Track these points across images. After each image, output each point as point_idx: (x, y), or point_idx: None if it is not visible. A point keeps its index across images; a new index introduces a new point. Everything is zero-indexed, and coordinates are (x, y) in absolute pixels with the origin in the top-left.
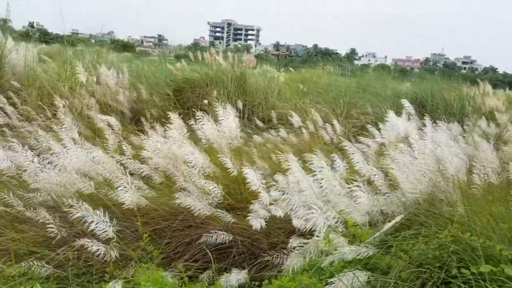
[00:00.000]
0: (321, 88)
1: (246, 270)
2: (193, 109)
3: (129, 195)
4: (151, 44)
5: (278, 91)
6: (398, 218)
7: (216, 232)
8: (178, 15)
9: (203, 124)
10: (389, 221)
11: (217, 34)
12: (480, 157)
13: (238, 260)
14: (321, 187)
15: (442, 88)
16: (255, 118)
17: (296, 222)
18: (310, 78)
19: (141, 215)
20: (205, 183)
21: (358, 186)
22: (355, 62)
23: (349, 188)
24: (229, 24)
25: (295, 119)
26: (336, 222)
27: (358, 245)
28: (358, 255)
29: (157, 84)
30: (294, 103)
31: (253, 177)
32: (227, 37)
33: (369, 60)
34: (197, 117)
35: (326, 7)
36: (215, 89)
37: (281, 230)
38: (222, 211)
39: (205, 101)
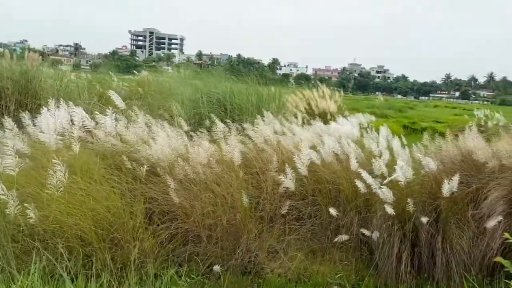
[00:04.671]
0: (152, 91)
1: None
2: None
3: None
4: (67, 53)
5: (70, 92)
6: None
7: None
8: (98, 24)
9: None
10: None
11: (139, 43)
12: None
13: None
14: None
15: (245, 89)
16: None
17: None
18: (149, 82)
19: None
20: None
21: None
22: (278, 71)
23: None
24: (151, 33)
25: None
26: None
27: None
28: None
29: None
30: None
31: None
32: (149, 46)
33: (290, 70)
34: None
35: (250, 16)
36: None
37: None
38: None
39: None
